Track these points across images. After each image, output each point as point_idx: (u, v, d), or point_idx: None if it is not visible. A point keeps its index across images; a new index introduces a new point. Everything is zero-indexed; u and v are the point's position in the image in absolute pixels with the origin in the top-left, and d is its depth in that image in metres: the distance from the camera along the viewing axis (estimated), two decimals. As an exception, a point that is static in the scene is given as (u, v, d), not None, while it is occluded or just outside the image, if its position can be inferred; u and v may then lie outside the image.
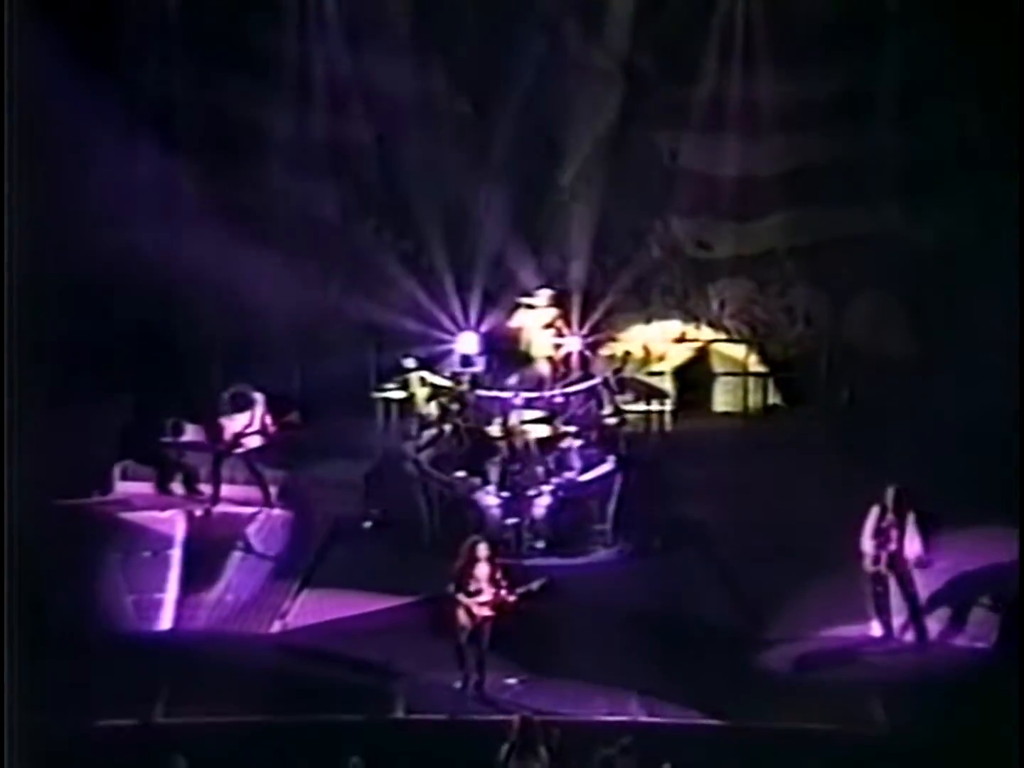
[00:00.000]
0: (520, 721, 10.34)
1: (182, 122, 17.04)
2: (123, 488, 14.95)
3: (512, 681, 11.99)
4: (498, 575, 11.87)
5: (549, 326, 16.91)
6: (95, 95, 15.60)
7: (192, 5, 16.85)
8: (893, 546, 12.50)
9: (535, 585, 11.88)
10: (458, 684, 11.84)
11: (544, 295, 17.01)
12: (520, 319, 16.93)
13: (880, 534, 12.53)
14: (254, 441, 14.64)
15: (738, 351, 18.10)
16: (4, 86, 13.50)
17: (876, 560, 12.52)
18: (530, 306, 16.85)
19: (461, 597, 11.82)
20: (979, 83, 16.37)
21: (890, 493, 12.53)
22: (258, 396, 14.71)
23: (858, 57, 16.98)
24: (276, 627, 13.13)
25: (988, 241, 16.47)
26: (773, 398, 18.02)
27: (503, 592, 11.78)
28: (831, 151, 17.38)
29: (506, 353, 17.14)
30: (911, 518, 12.50)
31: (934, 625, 12.68)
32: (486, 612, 11.81)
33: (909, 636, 12.67)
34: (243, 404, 14.61)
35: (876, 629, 12.71)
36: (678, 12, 17.50)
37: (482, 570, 11.86)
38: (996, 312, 15.81)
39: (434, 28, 17.56)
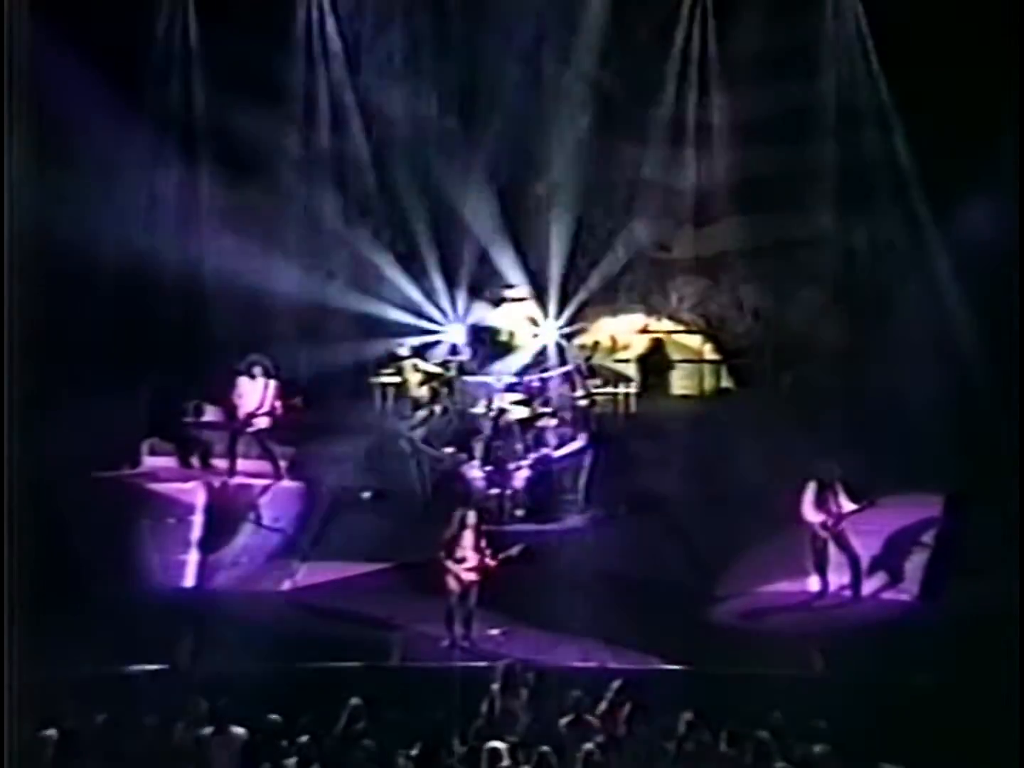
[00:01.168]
0: (504, 667, 10.39)
1: (200, 138, 16.92)
2: (150, 462, 14.87)
3: (495, 632, 12.02)
4: (482, 543, 11.91)
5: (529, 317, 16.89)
6: (124, 114, 15.52)
7: (210, 35, 16.73)
8: (835, 509, 12.57)
9: (514, 551, 11.93)
10: (445, 643, 11.83)
11: (523, 289, 16.98)
12: (503, 311, 16.88)
13: (823, 503, 12.60)
14: (265, 421, 14.62)
15: (694, 341, 18.07)
16: (42, 109, 13.50)
17: (824, 525, 12.57)
18: (512, 299, 16.80)
19: (450, 564, 11.85)
20: (903, 106, 16.39)
21: (835, 469, 12.59)
22: (271, 382, 14.66)
23: (798, 83, 16.96)
24: (286, 585, 13.16)
25: (911, 243, 16.53)
26: (725, 382, 18.01)
27: (486, 558, 11.81)
28: (775, 164, 17.32)
29: (489, 342, 17.09)
30: (840, 487, 12.56)
31: (868, 580, 12.74)
32: (472, 576, 11.85)
33: (844, 590, 12.74)
34: (256, 370, 14.50)
35: (814, 584, 12.78)
36: (641, 42, 17.43)
37: (468, 538, 11.90)
38: (918, 305, 15.88)
39: (424, 56, 17.46)
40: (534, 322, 16.88)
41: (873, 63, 16.48)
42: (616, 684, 10.09)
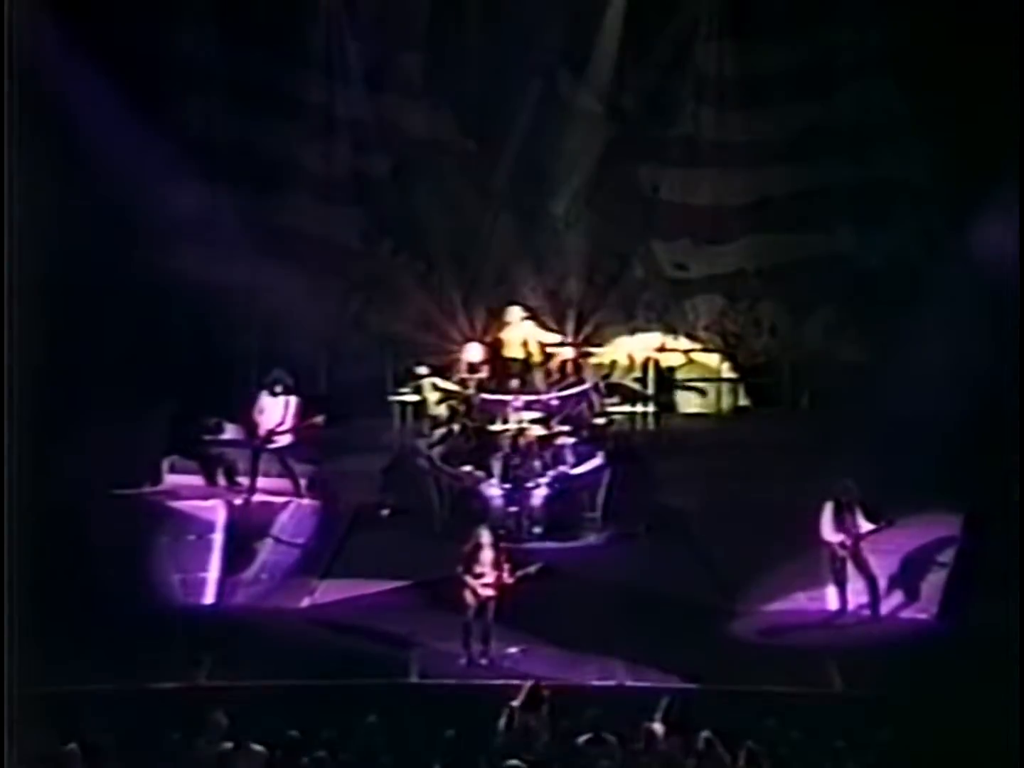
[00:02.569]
0: (529, 687, 10.38)
1: (222, 156, 17.04)
2: (171, 480, 14.93)
3: (513, 650, 12.01)
4: (501, 559, 11.93)
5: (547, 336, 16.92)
6: (145, 131, 15.64)
7: (231, 53, 16.86)
8: (854, 529, 12.55)
9: (532, 569, 11.94)
10: (463, 660, 11.84)
11: (543, 309, 17.01)
12: (522, 329, 16.92)
13: (840, 523, 12.57)
14: (286, 438, 14.67)
15: (712, 359, 18.09)
16: (61, 124, 13.62)
17: (843, 544, 12.55)
18: (531, 318, 16.84)
19: (468, 579, 11.87)
20: (920, 125, 16.41)
21: (839, 488, 12.58)
22: (292, 399, 14.70)
23: (814, 102, 17.03)
24: (305, 603, 13.15)
25: (928, 262, 16.54)
26: (743, 400, 18.02)
27: (504, 574, 11.83)
28: (791, 183, 17.40)
29: (508, 361, 17.11)
30: (859, 507, 12.54)
31: (886, 600, 12.72)
32: (489, 592, 11.86)
33: (862, 609, 12.71)
34: (278, 387, 14.57)
35: (833, 602, 12.76)
36: (658, 62, 17.51)
37: (486, 555, 11.92)
38: (935, 323, 15.87)
39: (443, 75, 17.56)
40: (552, 340, 16.89)
41: (890, 81, 16.52)
42: (665, 702, 9.98)
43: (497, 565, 11.89)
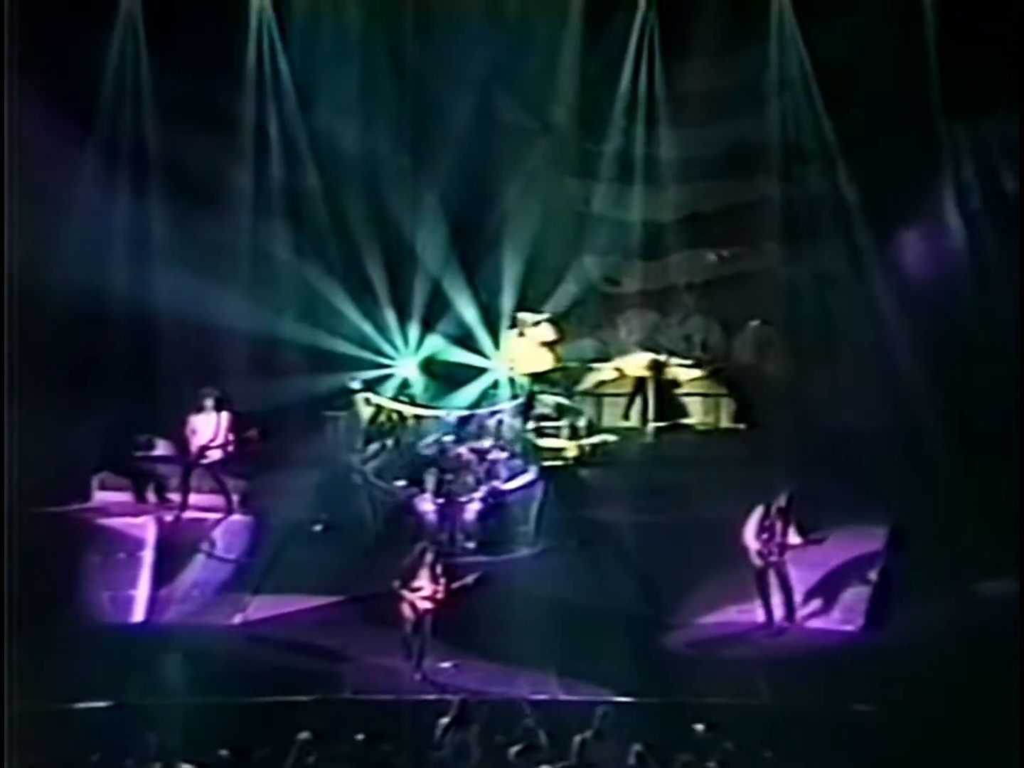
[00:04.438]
0: (459, 701, 10.38)
1: (153, 172, 16.90)
2: (100, 497, 14.80)
3: (446, 664, 12.01)
4: (439, 572, 11.93)
5: (545, 345, 16.93)
6: (75, 147, 15.50)
7: (163, 69, 16.75)
8: (778, 539, 12.67)
9: (470, 579, 11.94)
10: (415, 675, 11.80)
11: (536, 318, 17.05)
12: (513, 342, 16.93)
13: (764, 531, 12.70)
14: (218, 454, 14.57)
15: (643, 374, 18.15)
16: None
17: (760, 555, 12.69)
18: (531, 324, 16.91)
19: (405, 593, 11.86)
20: (846, 143, 16.66)
21: (781, 499, 12.69)
22: (224, 414, 14.61)
23: (744, 120, 17.22)
24: (237, 619, 13.05)
25: (854, 278, 16.79)
26: (674, 415, 18.05)
27: (441, 587, 11.83)
28: (721, 200, 17.61)
29: (441, 376, 17.13)
30: (792, 519, 12.67)
31: (810, 611, 12.85)
32: (427, 605, 11.86)
33: (792, 620, 12.84)
34: (209, 404, 14.50)
35: (760, 615, 12.87)
36: (590, 80, 17.62)
37: (425, 569, 11.92)
38: (862, 337, 16.10)
39: (376, 91, 17.55)
40: (551, 349, 16.88)
41: (816, 100, 16.77)
42: (601, 712, 10.01)
43: (435, 578, 11.89)
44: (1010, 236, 15.57)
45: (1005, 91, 15.28)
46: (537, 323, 17.12)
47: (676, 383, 17.80)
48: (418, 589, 11.83)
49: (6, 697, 9.74)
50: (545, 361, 17.21)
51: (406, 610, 11.86)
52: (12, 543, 11.59)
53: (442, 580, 11.89)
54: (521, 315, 17.31)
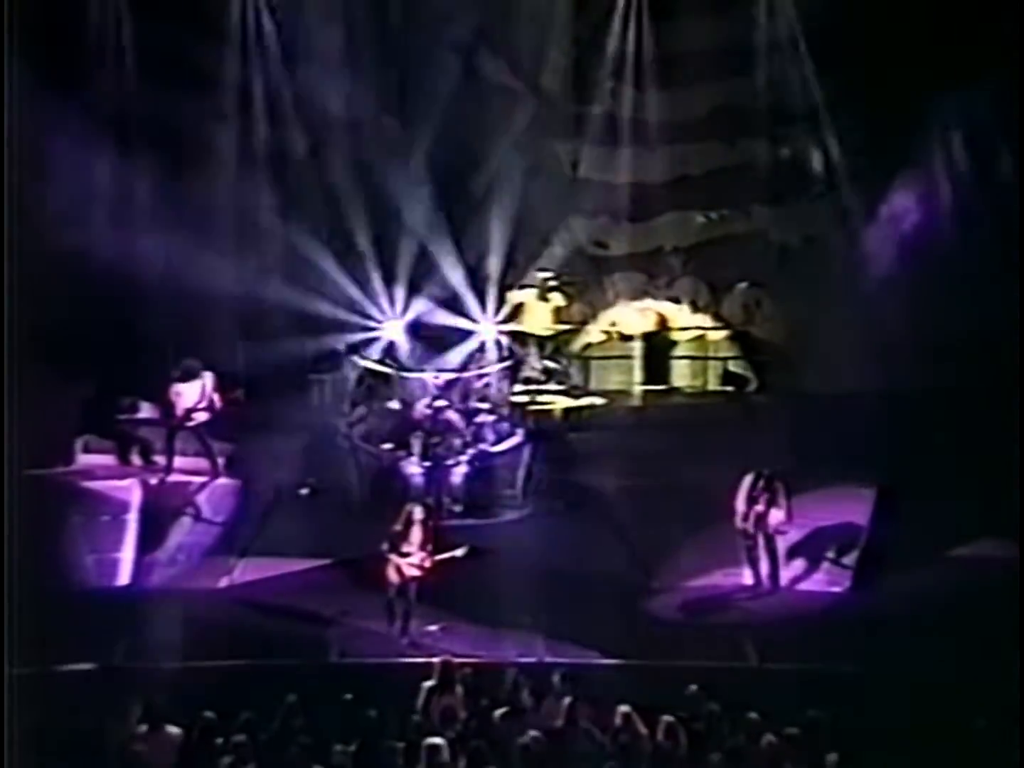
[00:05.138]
0: (441, 663, 10.37)
1: (136, 134, 16.69)
2: (85, 460, 14.71)
3: (433, 627, 11.97)
4: (428, 539, 11.86)
5: (558, 307, 16.94)
6: (56, 107, 15.30)
7: (144, 27, 16.52)
8: (760, 508, 12.66)
9: (459, 552, 11.88)
10: (394, 634, 11.76)
11: (546, 278, 17.01)
12: (524, 302, 16.90)
13: (752, 499, 12.68)
14: (203, 416, 14.46)
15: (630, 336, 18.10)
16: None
17: (745, 518, 12.67)
18: (544, 286, 16.79)
19: (394, 557, 11.80)
20: (834, 106, 16.54)
21: (765, 471, 12.66)
22: (207, 375, 14.52)
23: (732, 82, 17.12)
24: (223, 582, 13.01)
25: (844, 241, 16.72)
26: (662, 378, 17.97)
27: (429, 556, 11.77)
28: (709, 162, 17.50)
29: (428, 338, 17.05)
30: (780, 489, 12.64)
31: (796, 574, 12.84)
32: (414, 572, 11.80)
33: (777, 584, 12.83)
34: (191, 375, 14.39)
35: (748, 578, 12.86)
36: (578, 40, 17.49)
37: (415, 534, 11.86)
38: (851, 302, 16.05)
39: (362, 52, 17.36)
40: (561, 312, 16.87)
41: (804, 62, 16.65)
42: (557, 677, 10.07)
43: (424, 545, 11.83)
44: (999, 197, 15.51)
45: (996, 55, 15.17)
46: (548, 284, 17.02)
47: (667, 344, 17.74)
48: (407, 554, 11.75)
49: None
50: (557, 324, 17.16)
51: (392, 574, 11.80)
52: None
53: (430, 548, 11.81)
54: (538, 275, 17.20)
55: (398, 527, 11.86)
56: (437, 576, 11.86)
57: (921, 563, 12.69)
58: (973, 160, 16.07)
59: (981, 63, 15.23)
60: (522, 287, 17.36)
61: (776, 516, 12.62)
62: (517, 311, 17.44)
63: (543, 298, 17.17)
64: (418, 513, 11.91)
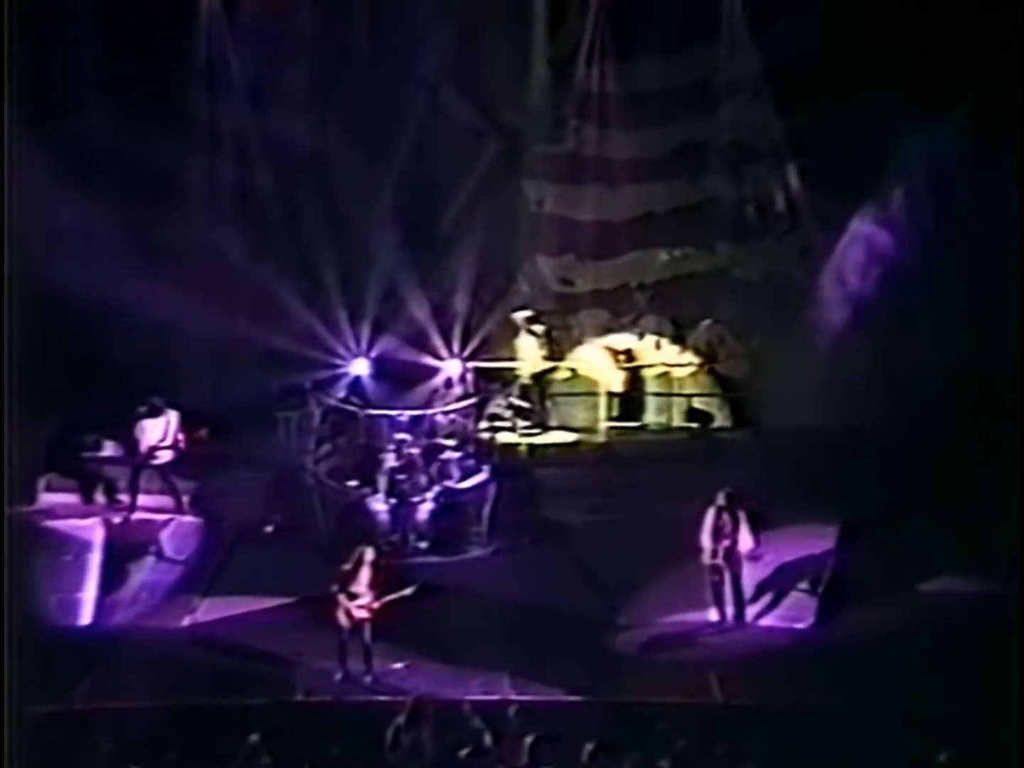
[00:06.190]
0: (412, 701, 10.32)
1: (105, 171, 16.71)
2: (47, 499, 14.63)
3: (399, 666, 11.93)
4: (379, 580, 11.81)
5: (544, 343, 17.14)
6: (25, 143, 15.29)
7: (114, 65, 16.55)
8: (727, 542, 12.70)
9: (408, 591, 11.84)
10: (338, 676, 11.72)
11: (523, 315, 17.22)
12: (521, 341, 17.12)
13: (717, 531, 12.72)
14: (167, 454, 14.44)
15: (596, 374, 18.17)
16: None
17: (714, 554, 12.70)
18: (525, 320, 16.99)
19: (342, 599, 11.74)
20: (797, 143, 16.73)
21: (721, 496, 12.72)
22: (172, 413, 14.49)
23: (695, 120, 17.30)
24: (187, 621, 12.93)
25: (806, 277, 16.89)
26: (628, 415, 18.04)
27: (377, 598, 11.70)
28: (674, 199, 17.66)
29: (393, 376, 17.06)
30: (743, 517, 12.70)
31: (760, 610, 12.88)
32: (363, 614, 11.75)
33: (742, 620, 12.86)
34: (155, 413, 14.37)
35: (713, 615, 12.89)
36: (543, 80, 17.64)
37: (364, 575, 11.81)
38: (814, 338, 16.19)
39: (329, 88, 17.45)
40: (549, 346, 17.10)
41: (768, 100, 16.84)
42: (522, 715, 10.07)
43: (374, 586, 11.79)
44: (959, 238, 15.72)
45: (961, 90, 15.41)
46: (533, 321, 17.08)
47: (632, 380, 17.83)
48: (356, 596, 11.71)
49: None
50: (544, 360, 17.32)
51: (341, 616, 11.76)
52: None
53: (378, 591, 11.74)
54: (522, 313, 17.36)
55: (347, 568, 11.82)
56: (387, 617, 11.78)
57: (885, 599, 12.75)
58: (936, 195, 16.28)
59: (945, 98, 15.46)
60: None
61: (745, 543, 12.65)
62: (484, 347, 17.50)
63: (531, 333, 17.24)
64: (369, 554, 11.90)
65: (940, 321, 15.44)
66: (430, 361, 17.17)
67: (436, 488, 14.69)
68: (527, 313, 17.49)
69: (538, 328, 17.42)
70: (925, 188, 16.41)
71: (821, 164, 16.46)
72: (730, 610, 12.76)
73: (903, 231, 16.50)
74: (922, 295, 15.70)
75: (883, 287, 16.38)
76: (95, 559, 13.39)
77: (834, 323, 16.50)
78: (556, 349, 17.91)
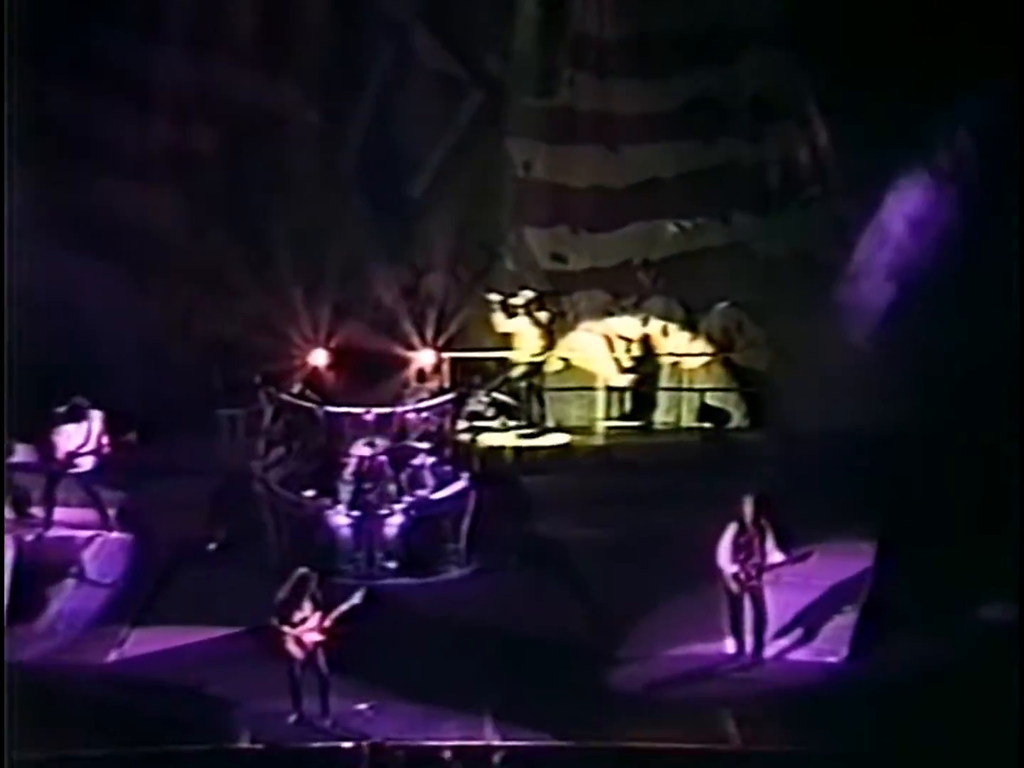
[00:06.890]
0: (369, 747, 10.30)
1: (16, 131, 16.62)
2: (-52, 513, 14.60)
3: (364, 706, 11.90)
4: (319, 601, 11.78)
5: (538, 326, 17.25)
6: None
7: (32, 11, 16.46)
8: (756, 559, 12.60)
9: (356, 598, 11.77)
10: (292, 718, 11.67)
11: (525, 296, 17.26)
12: (504, 323, 17.18)
13: (740, 550, 12.62)
14: (90, 461, 14.37)
15: (594, 365, 18.20)
16: None
17: (737, 578, 12.59)
18: (512, 309, 17.00)
19: (286, 629, 11.71)
20: (828, 99, 16.75)
21: (747, 505, 12.61)
22: (95, 413, 14.45)
23: (709, 71, 17.32)
24: (112, 656, 12.85)
25: (838, 254, 16.89)
26: (631, 413, 18.07)
27: (325, 615, 11.68)
28: (684, 163, 17.67)
29: (357, 368, 17.06)
30: (769, 528, 12.62)
31: (789, 641, 12.85)
32: (315, 637, 11.71)
33: (762, 652, 12.83)
34: (76, 413, 14.33)
35: (729, 646, 12.84)
36: (532, 22, 17.65)
37: (307, 599, 11.78)
38: (846, 325, 16.19)
39: (281, 34, 17.44)
40: (547, 332, 17.25)
41: (791, 48, 16.84)
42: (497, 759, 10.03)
43: (317, 606, 11.75)
44: (1004, 203, 15.71)
45: (1009, 53, 15.43)
46: (532, 301, 17.14)
47: (637, 373, 17.87)
48: (302, 621, 11.67)
49: None
50: (543, 346, 17.42)
51: (292, 648, 11.71)
52: None
53: (323, 608, 11.71)
54: (524, 292, 17.49)
55: (283, 595, 11.79)
56: (362, 643, 11.75)
57: (929, 628, 12.71)
58: (987, 157, 16.30)
59: (996, 54, 15.48)
60: (510, 312, 17.33)
61: (773, 558, 12.57)
62: (462, 335, 17.53)
63: (534, 321, 17.33)
64: (309, 579, 11.87)
65: (996, 302, 15.41)
66: (400, 351, 17.14)
67: (407, 499, 14.69)
68: (528, 295, 17.44)
69: (542, 315, 17.40)
70: (975, 148, 16.41)
71: (854, 121, 16.46)
72: (749, 640, 12.69)
73: (950, 198, 16.51)
74: (975, 272, 15.68)
75: (927, 263, 16.38)
76: (3, 583, 13.31)
77: (870, 306, 16.50)
78: (548, 337, 17.96)
